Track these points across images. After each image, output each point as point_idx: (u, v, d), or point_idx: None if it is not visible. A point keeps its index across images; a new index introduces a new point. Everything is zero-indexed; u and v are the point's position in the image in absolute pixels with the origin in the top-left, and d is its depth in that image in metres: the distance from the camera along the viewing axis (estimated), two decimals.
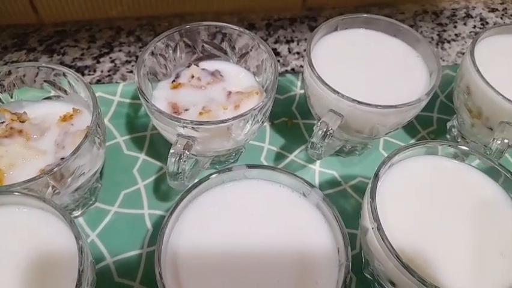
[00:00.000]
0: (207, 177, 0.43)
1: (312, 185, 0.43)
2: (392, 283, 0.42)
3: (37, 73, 0.52)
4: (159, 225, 0.56)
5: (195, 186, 0.42)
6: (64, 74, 0.51)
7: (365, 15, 0.60)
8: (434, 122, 0.70)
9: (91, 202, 0.57)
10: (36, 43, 0.80)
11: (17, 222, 0.41)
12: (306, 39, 0.83)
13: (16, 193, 0.40)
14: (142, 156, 0.63)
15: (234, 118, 0.49)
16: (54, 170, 0.44)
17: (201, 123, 0.49)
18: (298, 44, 0.82)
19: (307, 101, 0.60)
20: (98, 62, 0.77)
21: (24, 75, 0.52)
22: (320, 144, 0.53)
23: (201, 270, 0.40)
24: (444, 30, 0.87)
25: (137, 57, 0.79)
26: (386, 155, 0.64)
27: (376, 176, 0.44)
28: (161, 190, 0.60)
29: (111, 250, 0.54)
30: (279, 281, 0.40)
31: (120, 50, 0.80)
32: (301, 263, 0.41)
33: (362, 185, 0.62)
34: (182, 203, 0.42)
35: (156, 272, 0.37)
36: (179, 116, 0.53)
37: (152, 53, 0.56)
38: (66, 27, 0.83)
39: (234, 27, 0.58)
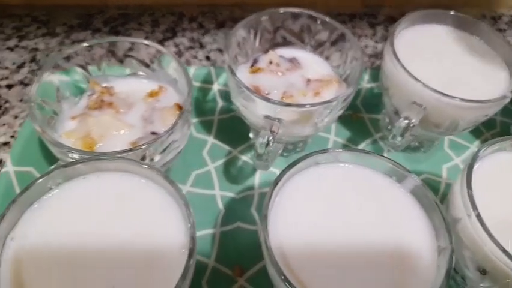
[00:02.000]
0: (305, 157, 0.43)
1: (408, 170, 0.43)
2: (484, 271, 0.42)
3: (129, 48, 0.53)
4: (231, 207, 0.57)
5: (293, 164, 0.43)
6: (158, 51, 0.52)
7: (452, 12, 0.60)
8: (498, 125, 0.70)
9: None
10: (101, 24, 0.81)
11: (121, 188, 0.41)
12: (366, 36, 0.84)
13: (137, 163, 0.41)
14: (211, 140, 0.64)
15: (321, 103, 0.50)
16: (153, 143, 0.45)
17: (290, 104, 0.50)
18: (359, 40, 0.82)
19: (383, 94, 0.60)
20: (163, 46, 0.78)
21: (114, 50, 0.53)
22: (401, 137, 0.53)
23: (302, 241, 0.41)
24: (504, 36, 0.86)
25: (200, 43, 0.79)
26: (451, 153, 0.65)
27: (470, 166, 0.44)
28: (231, 173, 0.61)
29: None
30: (376, 266, 0.40)
31: (183, 36, 0.80)
32: (399, 247, 0.41)
33: (428, 181, 0.62)
34: (282, 180, 0.42)
35: (263, 241, 0.38)
36: None
37: (237, 36, 0.56)
38: (129, 11, 0.84)
39: (319, 15, 0.59)
